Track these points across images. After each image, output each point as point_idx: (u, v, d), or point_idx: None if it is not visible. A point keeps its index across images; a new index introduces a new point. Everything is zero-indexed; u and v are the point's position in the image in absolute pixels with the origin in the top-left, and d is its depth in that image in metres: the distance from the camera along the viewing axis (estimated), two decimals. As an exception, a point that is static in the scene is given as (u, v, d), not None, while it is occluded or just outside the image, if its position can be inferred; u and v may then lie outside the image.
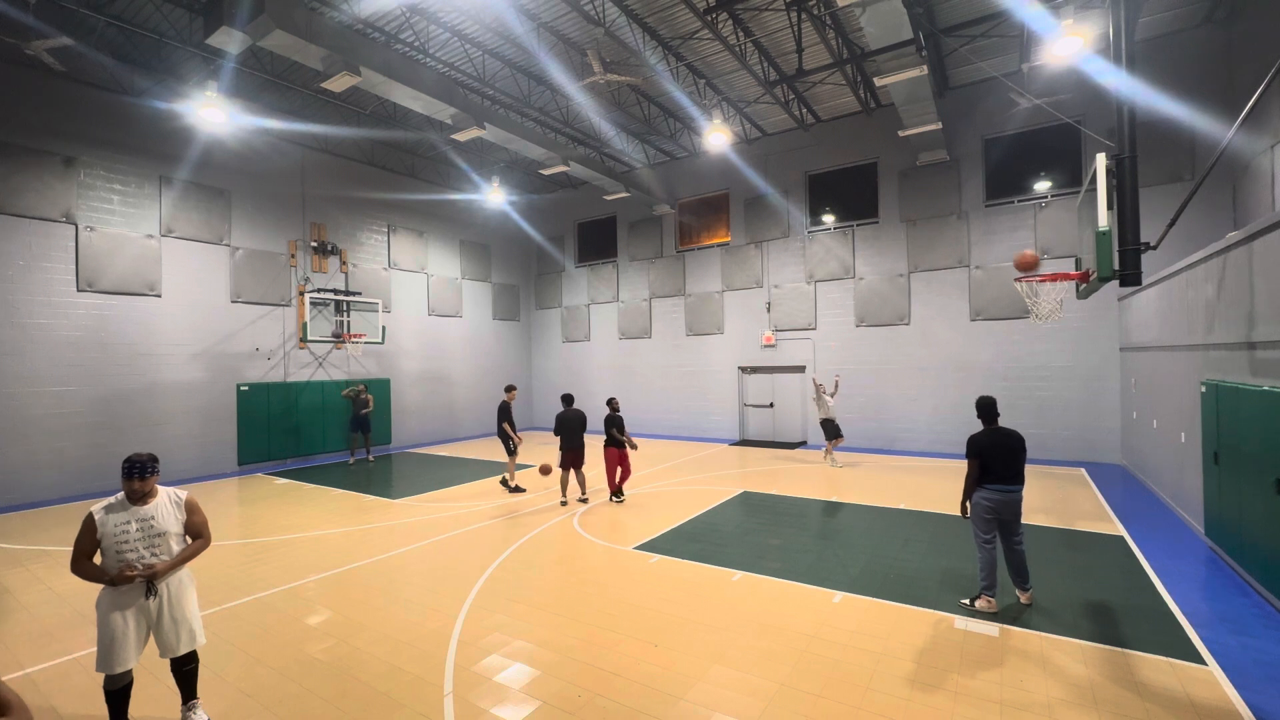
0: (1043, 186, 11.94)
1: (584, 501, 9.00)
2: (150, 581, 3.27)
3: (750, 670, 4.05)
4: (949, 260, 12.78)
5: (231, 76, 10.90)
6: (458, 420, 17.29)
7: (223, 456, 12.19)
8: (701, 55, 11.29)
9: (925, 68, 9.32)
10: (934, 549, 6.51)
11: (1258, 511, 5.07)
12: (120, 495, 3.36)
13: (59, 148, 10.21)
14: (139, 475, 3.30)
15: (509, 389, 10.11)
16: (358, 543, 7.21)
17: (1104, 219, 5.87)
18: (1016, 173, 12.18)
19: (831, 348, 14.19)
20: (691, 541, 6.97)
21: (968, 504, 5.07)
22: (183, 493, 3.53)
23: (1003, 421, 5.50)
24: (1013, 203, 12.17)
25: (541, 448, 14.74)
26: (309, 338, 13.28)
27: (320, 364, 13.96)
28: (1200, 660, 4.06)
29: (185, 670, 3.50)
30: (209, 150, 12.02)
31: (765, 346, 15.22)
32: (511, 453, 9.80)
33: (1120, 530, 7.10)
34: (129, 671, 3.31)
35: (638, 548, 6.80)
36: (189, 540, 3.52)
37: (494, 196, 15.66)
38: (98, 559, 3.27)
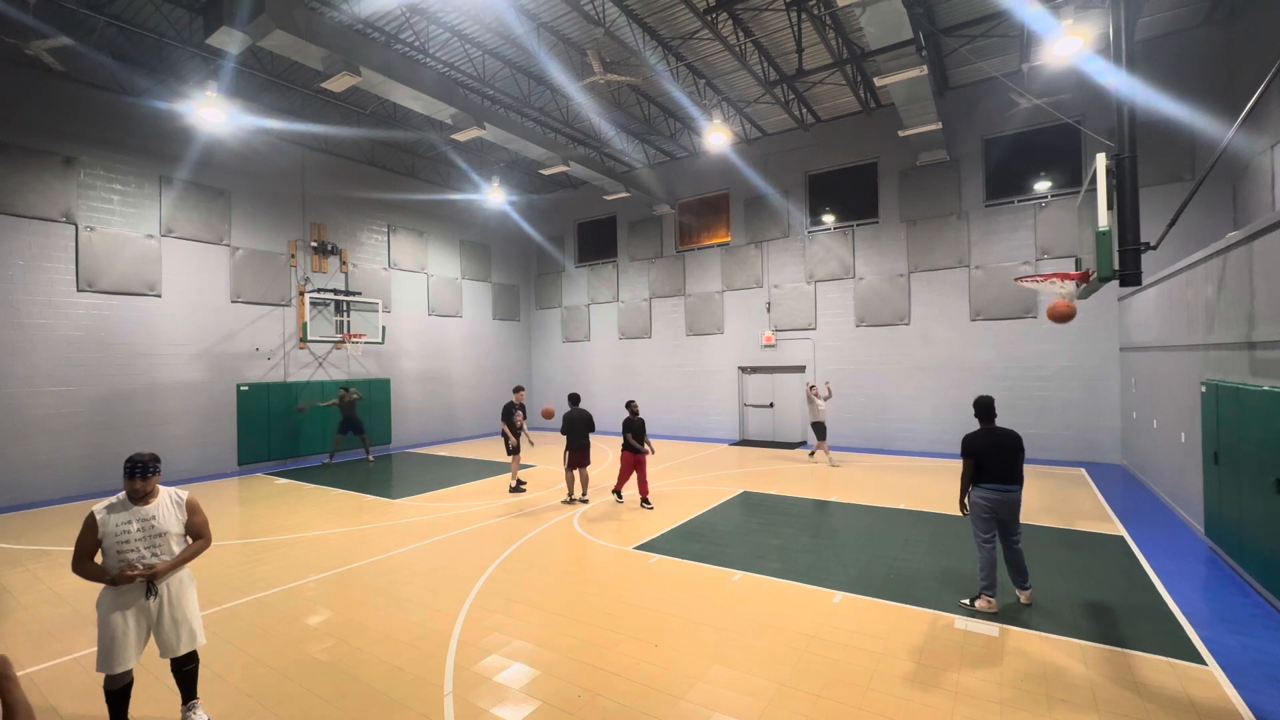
0: (1043, 186, 11.94)
1: (585, 501, 9.00)
2: (151, 581, 3.27)
3: (750, 670, 4.05)
4: (949, 260, 12.78)
5: (231, 76, 10.90)
6: (458, 420, 17.29)
7: (223, 456, 12.19)
8: (701, 55, 11.30)
9: (925, 68, 9.32)
10: (934, 549, 6.51)
11: (1258, 511, 5.07)
12: (121, 495, 3.36)
13: (59, 148, 10.21)
14: (141, 475, 3.30)
15: (516, 389, 10.14)
16: (358, 543, 7.21)
17: (1104, 219, 5.88)
18: (1016, 173, 12.18)
19: (835, 347, 14.21)
20: (691, 541, 6.97)
21: (965, 502, 5.09)
22: (184, 493, 3.53)
23: (1002, 421, 5.50)
24: (1013, 203, 12.17)
25: (543, 447, 14.74)
26: (309, 338, 13.28)
27: (320, 364, 13.96)
28: (1200, 660, 4.06)
29: (185, 670, 3.50)
30: (209, 150, 12.02)
31: (765, 346, 15.22)
32: (510, 451, 9.80)
33: (1120, 530, 7.10)
34: (129, 671, 3.31)
35: (638, 548, 6.80)
36: (190, 540, 3.52)
37: (494, 196, 15.66)
38: (99, 559, 3.27)
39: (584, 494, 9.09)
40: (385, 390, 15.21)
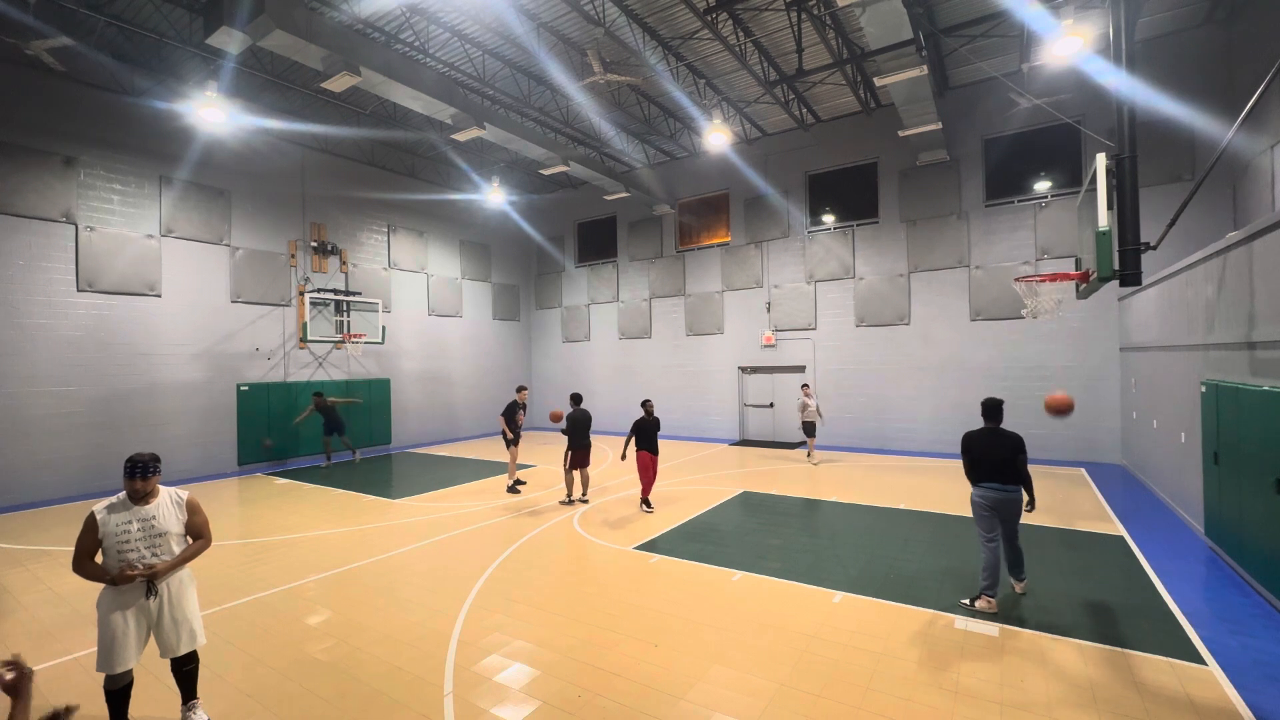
0: (1043, 186, 11.94)
1: (585, 501, 9.00)
2: (151, 581, 3.27)
3: (750, 670, 4.05)
4: (949, 260, 12.78)
5: (231, 76, 10.90)
6: (457, 420, 17.29)
7: (223, 456, 12.19)
8: (701, 55, 11.30)
9: (925, 68, 9.32)
10: (934, 549, 6.51)
11: (1258, 511, 5.07)
12: (122, 495, 3.36)
13: (59, 148, 10.21)
14: (141, 475, 3.30)
15: (520, 389, 10.12)
16: (358, 543, 7.21)
17: (1104, 219, 5.88)
18: (1016, 173, 12.18)
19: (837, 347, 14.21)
20: (691, 541, 6.97)
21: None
22: (184, 493, 3.53)
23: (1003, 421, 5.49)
24: (1013, 203, 12.17)
25: (543, 447, 14.74)
26: (309, 338, 13.27)
27: (320, 364, 13.95)
28: (1200, 660, 4.06)
29: (185, 670, 3.50)
30: (209, 150, 12.02)
31: (765, 346, 15.22)
32: (510, 444, 9.76)
33: (1120, 530, 7.10)
34: (129, 671, 3.31)
35: (638, 548, 6.80)
36: (190, 540, 3.52)
37: (494, 196, 15.66)
38: (99, 559, 3.26)
39: (584, 494, 9.09)
40: (385, 390, 15.21)
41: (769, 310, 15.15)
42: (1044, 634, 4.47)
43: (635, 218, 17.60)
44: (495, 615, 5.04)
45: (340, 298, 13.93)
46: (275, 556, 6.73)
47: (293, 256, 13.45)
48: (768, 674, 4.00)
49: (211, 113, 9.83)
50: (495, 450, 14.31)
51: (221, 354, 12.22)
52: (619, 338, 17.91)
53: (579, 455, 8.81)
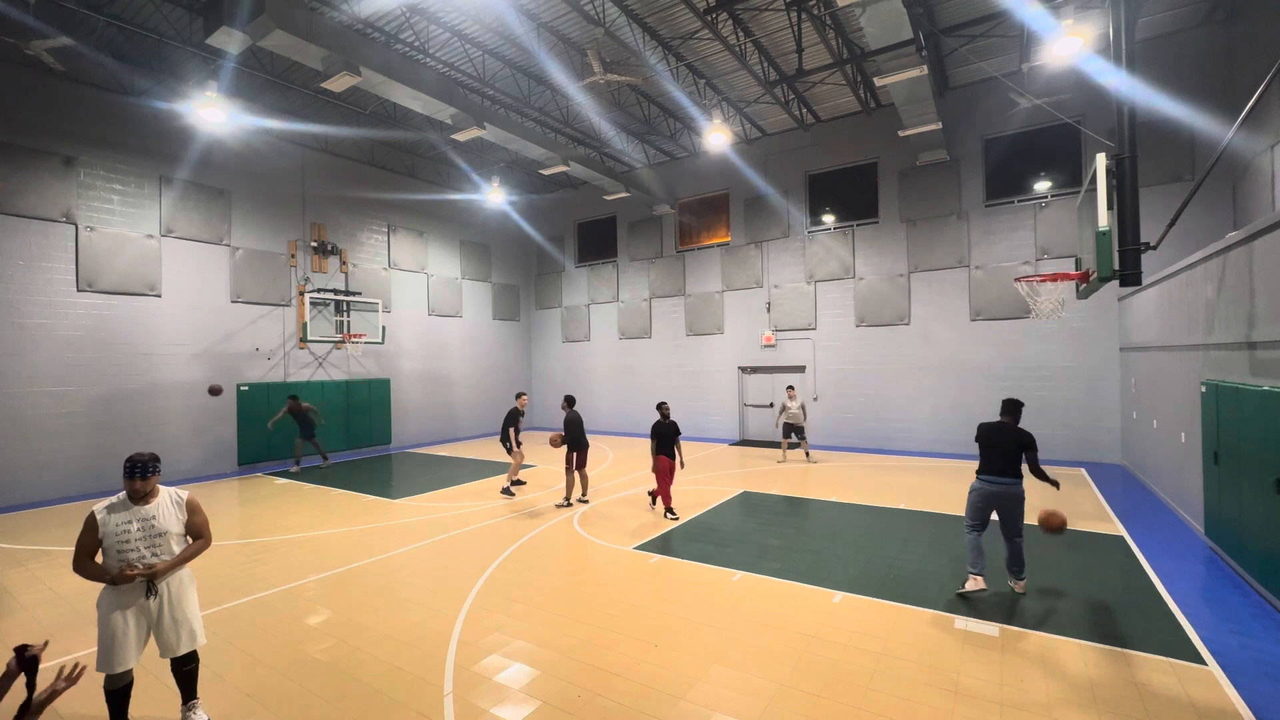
0: (1043, 186, 11.94)
1: (585, 502, 9.00)
2: (151, 581, 3.27)
3: (750, 670, 4.05)
4: (949, 260, 12.78)
5: (231, 76, 10.90)
6: (457, 420, 17.29)
7: (223, 456, 12.19)
8: (701, 55, 11.29)
9: (925, 68, 9.32)
10: (934, 549, 6.51)
11: (1257, 511, 5.07)
12: (122, 495, 3.36)
13: (59, 148, 10.21)
14: (141, 475, 3.30)
15: (518, 396, 10.02)
16: (358, 543, 7.21)
17: (1104, 219, 5.88)
18: (1016, 173, 12.18)
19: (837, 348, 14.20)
20: (691, 541, 6.97)
21: None
22: (184, 493, 3.53)
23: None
24: (1013, 203, 12.17)
25: (543, 447, 14.74)
26: (309, 338, 13.27)
27: (320, 364, 13.96)
28: (1200, 660, 4.06)
29: (185, 670, 3.50)
30: (209, 150, 12.02)
31: (765, 346, 15.22)
32: (511, 449, 9.75)
33: (1120, 530, 7.10)
34: (129, 671, 3.31)
35: (638, 548, 6.80)
36: (190, 540, 3.52)
37: (494, 196, 15.66)
38: (99, 558, 3.27)
39: (584, 494, 9.09)
40: (385, 390, 15.21)
41: (769, 310, 15.15)
42: (1044, 634, 4.47)
43: (635, 218, 17.60)
44: (495, 615, 5.04)
45: (340, 298, 13.93)
46: (275, 556, 6.73)
47: (293, 256, 13.45)
48: (768, 674, 4.00)
49: (211, 113, 9.83)
50: (496, 450, 14.31)
51: (221, 354, 12.21)
52: (619, 338, 17.91)
53: (579, 456, 8.83)
